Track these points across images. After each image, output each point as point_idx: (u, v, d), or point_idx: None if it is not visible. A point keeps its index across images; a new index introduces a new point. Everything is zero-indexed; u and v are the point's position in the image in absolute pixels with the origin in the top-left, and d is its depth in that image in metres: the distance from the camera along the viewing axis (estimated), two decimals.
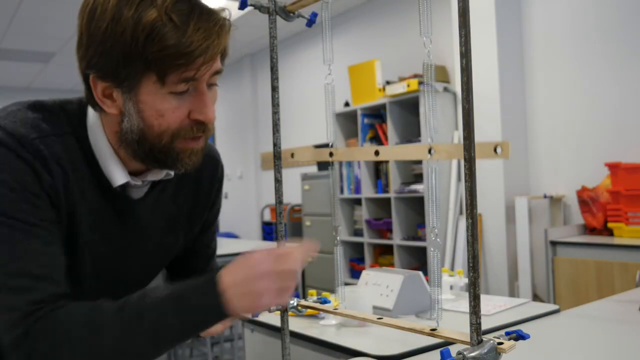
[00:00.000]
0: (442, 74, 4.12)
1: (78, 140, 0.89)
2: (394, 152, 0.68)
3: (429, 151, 0.58)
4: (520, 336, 0.54)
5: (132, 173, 0.93)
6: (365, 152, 0.71)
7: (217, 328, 0.94)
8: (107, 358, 0.75)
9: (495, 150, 0.51)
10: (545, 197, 3.44)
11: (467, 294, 1.58)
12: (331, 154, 0.77)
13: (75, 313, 0.77)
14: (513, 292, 3.52)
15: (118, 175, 0.90)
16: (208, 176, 1.09)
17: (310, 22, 0.82)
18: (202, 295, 0.77)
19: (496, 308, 1.54)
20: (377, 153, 0.69)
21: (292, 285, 0.79)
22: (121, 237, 0.95)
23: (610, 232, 3.05)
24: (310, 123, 5.73)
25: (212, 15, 0.82)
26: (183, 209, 1.05)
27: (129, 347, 0.75)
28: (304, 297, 0.87)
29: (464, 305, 1.60)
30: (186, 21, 0.79)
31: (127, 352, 0.76)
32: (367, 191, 4.38)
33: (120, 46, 0.79)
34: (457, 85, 4.00)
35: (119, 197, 0.93)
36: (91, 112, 0.91)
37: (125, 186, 0.93)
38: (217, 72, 0.86)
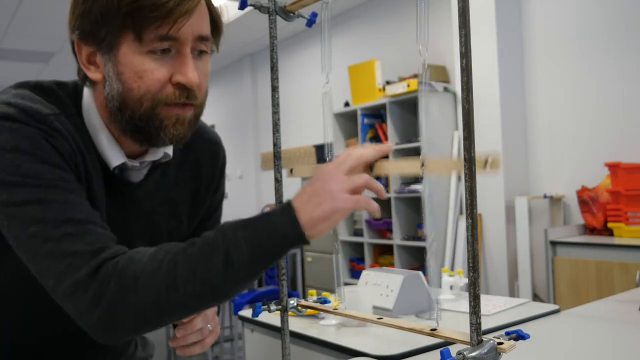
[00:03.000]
0: (442, 74, 4.12)
1: (74, 122, 0.87)
2: (387, 166, 0.68)
3: (422, 164, 0.58)
4: (520, 336, 0.54)
5: (130, 155, 0.91)
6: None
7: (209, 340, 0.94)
8: (179, 290, 0.70)
9: (485, 165, 0.51)
10: (545, 197, 3.44)
11: (467, 294, 1.58)
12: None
13: (141, 251, 0.74)
14: (513, 292, 3.52)
15: (114, 157, 0.88)
16: (210, 160, 1.08)
17: (310, 22, 0.82)
18: (271, 217, 0.73)
19: (496, 308, 1.54)
20: (371, 168, 0.71)
21: (364, 183, 0.76)
22: (121, 221, 0.94)
23: (610, 232, 3.05)
24: (310, 123, 5.73)
25: None
26: (185, 194, 1.04)
27: (201, 275, 0.71)
28: (304, 297, 0.87)
29: (464, 305, 1.60)
30: None
31: (200, 281, 0.71)
32: (367, 191, 4.37)
33: (99, 4, 0.79)
34: (457, 85, 4.00)
35: (118, 180, 0.92)
36: (86, 93, 0.90)
37: (123, 169, 0.92)
38: (204, 39, 0.84)
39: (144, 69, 0.80)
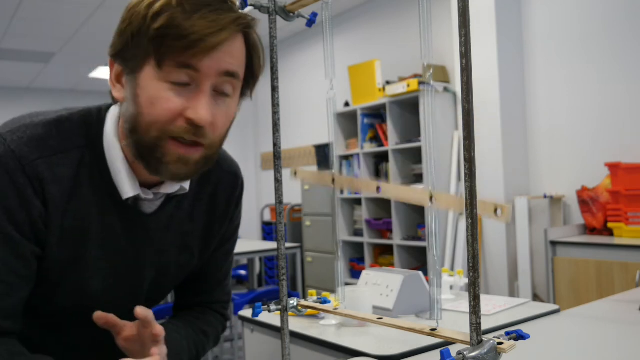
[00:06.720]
0: (442, 74, 4.12)
1: (92, 152, 0.87)
2: (395, 190, 0.67)
3: (430, 199, 0.58)
4: (520, 336, 0.54)
5: (146, 185, 0.90)
6: (367, 184, 0.70)
7: None
8: None
9: (495, 212, 0.51)
10: (545, 197, 3.44)
11: (467, 294, 1.58)
12: (333, 180, 0.77)
13: None
14: (513, 292, 3.52)
15: (128, 187, 0.87)
16: (226, 193, 1.06)
17: (310, 22, 0.82)
18: None
19: (496, 308, 1.54)
20: (378, 189, 0.69)
21: None
22: (131, 252, 0.93)
23: (610, 232, 3.05)
24: (310, 123, 5.73)
25: (227, 11, 0.79)
26: (199, 226, 1.02)
27: None
28: (304, 297, 0.87)
29: (464, 305, 1.60)
30: (196, 10, 0.77)
31: None
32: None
33: (132, 25, 0.78)
34: (457, 85, 4.00)
35: (131, 211, 0.91)
36: (109, 119, 0.89)
37: (137, 199, 0.91)
38: (230, 75, 0.82)
39: (158, 96, 0.79)
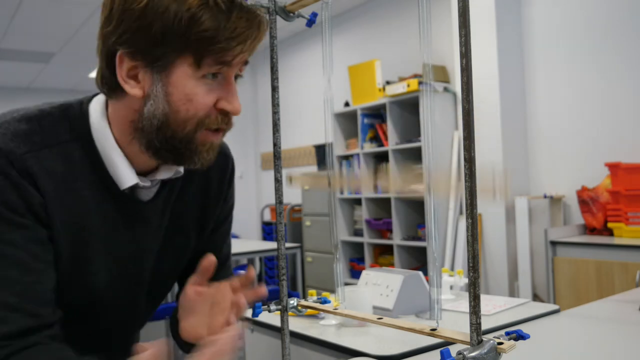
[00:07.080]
0: (442, 74, 4.12)
1: (81, 145, 0.85)
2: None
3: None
4: (520, 336, 0.54)
5: (141, 173, 0.89)
6: (365, 181, 0.70)
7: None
8: None
9: (493, 193, 0.51)
10: (545, 197, 3.44)
11: (467, 294, 1.58)
12: (329, 183, 0.77)
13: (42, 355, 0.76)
14: (513, 292, 3.52)
15: (126, 177, 0.86)
16: (218, 172, 1.05)
17: (310, 22, 0.82)
18: None
19: (496, 308, 1.54)
20: (377, 188, 0.69)
21: None
22: (132, 242, 0.92)
23: (610, 232, 3.05)
24: (310, 123, 5.73)
25: (253, 8, 0.81)
26: (192, 207, 1.01)
27: None
28: (304, 297, 0.87)
29: (464, 305, 1.60)
30: (230, 8, 0.77)
31: None
32: (367, 191, 4.38)
33: (161, 23, 0.76)
34: (457, 85, 4.00)
35: (128, 201, 0.90)
36: (94, 111, 0.87)
37: (134, 188, 0.90)
38: (246, 63, 0.85)
39: (194, 93, 0.80)
